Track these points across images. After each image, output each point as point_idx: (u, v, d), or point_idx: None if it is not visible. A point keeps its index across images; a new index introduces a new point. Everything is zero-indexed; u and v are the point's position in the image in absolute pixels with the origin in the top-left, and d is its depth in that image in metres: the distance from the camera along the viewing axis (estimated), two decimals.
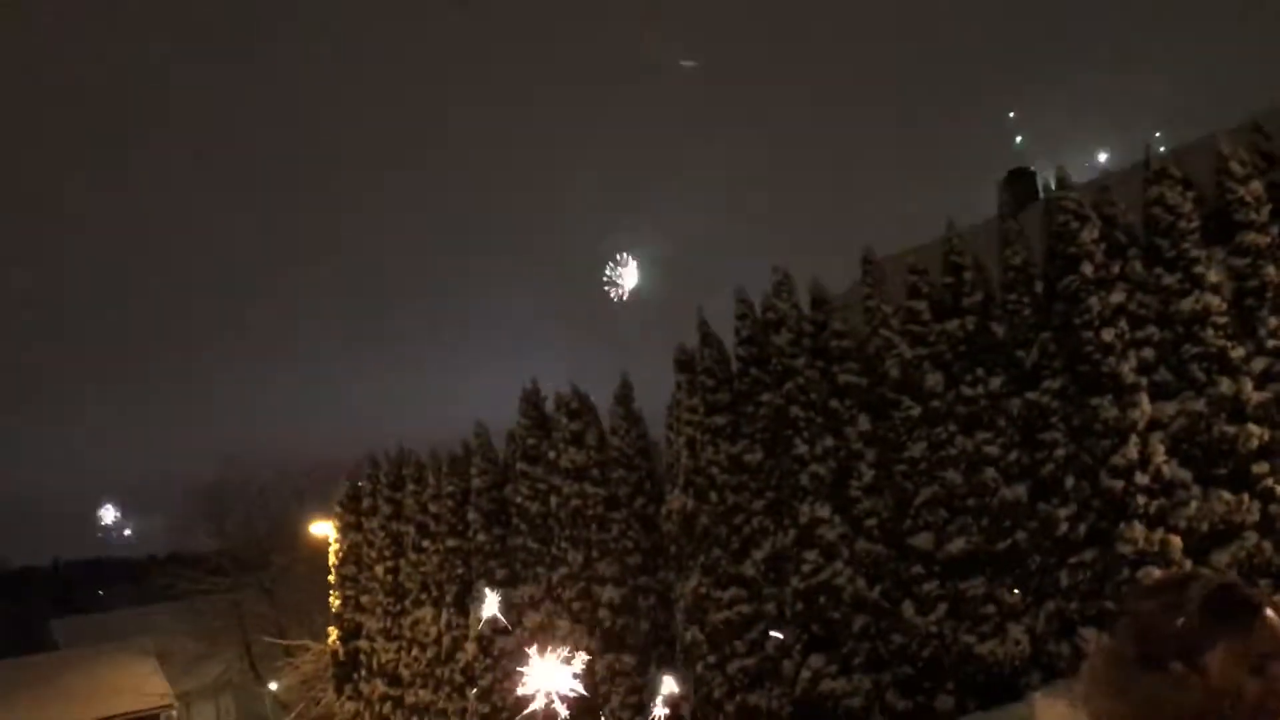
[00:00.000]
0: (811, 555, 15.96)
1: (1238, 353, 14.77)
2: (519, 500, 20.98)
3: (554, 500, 20.20)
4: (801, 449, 16.44)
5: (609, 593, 18.95)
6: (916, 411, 15.90)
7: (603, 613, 19.02)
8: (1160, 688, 1.75)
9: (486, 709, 21.16)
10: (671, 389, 18.71)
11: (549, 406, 21.31)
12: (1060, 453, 14.97)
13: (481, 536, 21.71)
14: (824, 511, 16.04)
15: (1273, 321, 14.93)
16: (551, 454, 20.48)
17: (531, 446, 20.99)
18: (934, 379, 15.93)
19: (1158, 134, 16.43)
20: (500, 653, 20.75)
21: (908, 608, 15.39)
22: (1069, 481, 14.84)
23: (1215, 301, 14.90)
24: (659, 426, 19.67)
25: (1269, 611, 1.80)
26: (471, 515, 22.15)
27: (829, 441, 16.44)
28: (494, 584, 21.41)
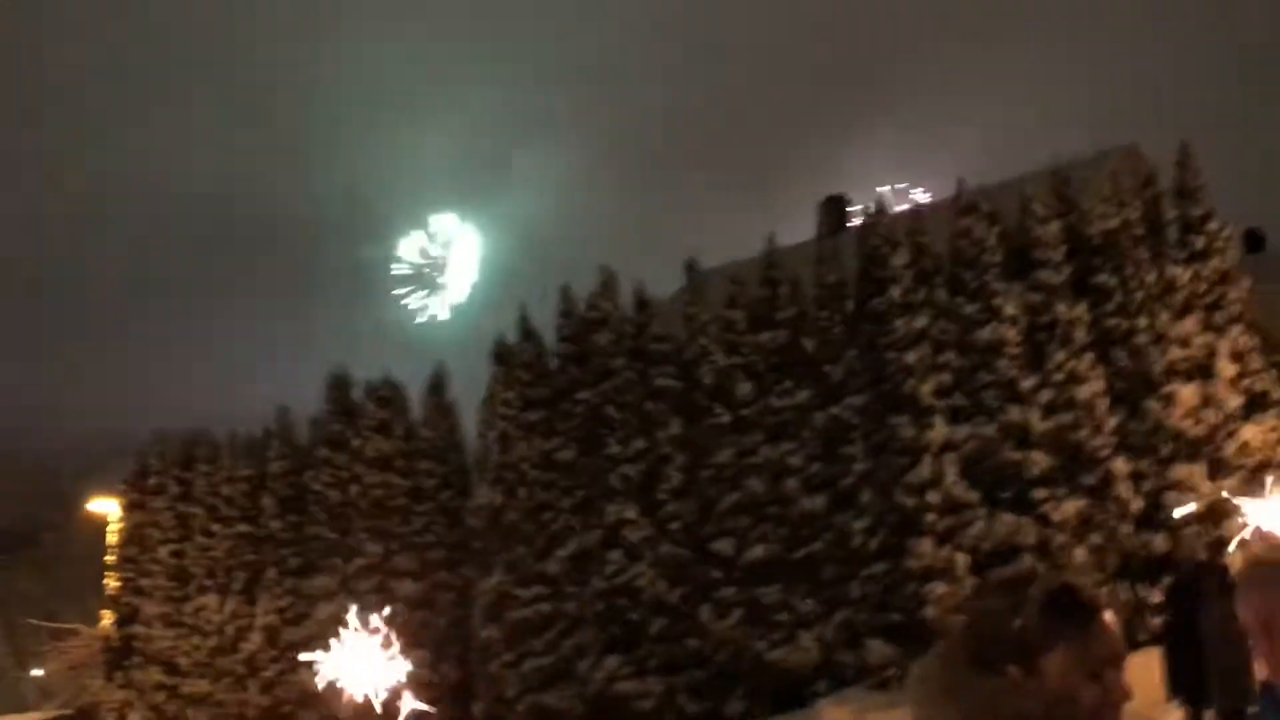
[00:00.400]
0: (615, 556, 15.96)
1: (1027, 383, 15.61)
2: (318, 488, 20.20)
3: (355, 489, 19.54)
4: (614, 449, 16.44)
5: (407, 587, 18.46)
6: (726, 419, 16.13)
7: (398, 607, 18.46)
8: (995, 692, 1.64)
9: (268, 701, 20.28)
10: (488, 383, 18.43)
11: (358, 394, 20.64)
12: (859, 467, 15.45)
13: (276, 523, 20.82)
14: (631, 513, 16.08)
15: (1060, 356, 15.85)
16: (356, 442, 19.82)
17: (336, 433, 20.26)
18: (745, 388, 16.20)
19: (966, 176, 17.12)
20: (287, 644, 19.90)
21: (705, 612, 15.56)
22: (865, 495, 15.34)
23: (1010, 333, 15.71)
24: (473, 421, 19.34)
25: (1107, 615, 1.72)
26: (266, 501, 21.21)
27: (641, 443, 16.50)
28: (286, 573, 20.58)
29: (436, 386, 19.49)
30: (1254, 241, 37.51)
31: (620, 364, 16.82)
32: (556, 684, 15.94)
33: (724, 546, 15.82)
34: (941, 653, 1.75)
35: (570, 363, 17.16)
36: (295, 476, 21.34)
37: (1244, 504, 13.77)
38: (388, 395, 19.65)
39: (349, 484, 19.76)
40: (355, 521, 19.49)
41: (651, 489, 16.38)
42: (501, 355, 17.92)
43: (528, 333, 17.62)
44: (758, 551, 15.60)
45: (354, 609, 15.55)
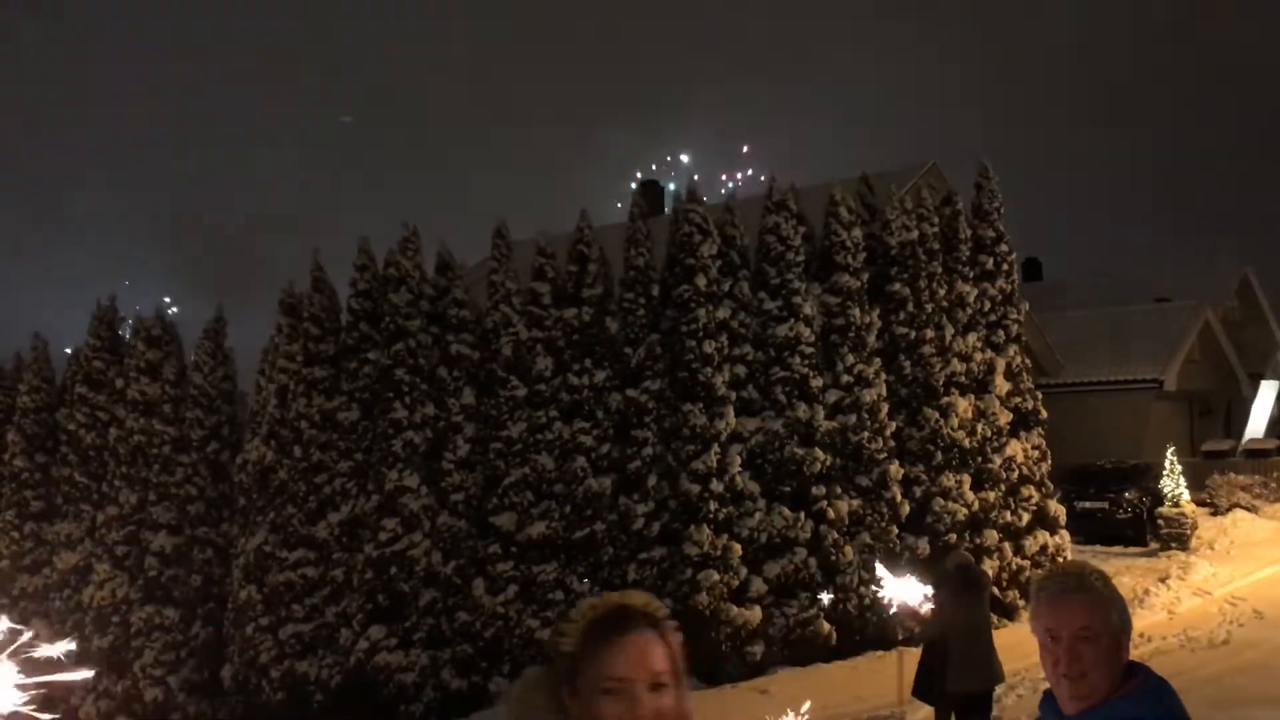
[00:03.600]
0: (391, 523, 15.32)
1: (817, 382, 15.95)
2: (72, 427, 18.64)
3: (114, 433, 18.11)
4: (400, 414, 15.78)
5: (161, 540, 17.23)
6: (522, 392, 15.76)
7: (150, 560, 17.26)
8: (554, 716, 1.83)
9: None
10: (271, 333, 17.38)
11: (127, 331, 19.16)
12: (648, 451, 15.40)
13: (20, 462, 19.10)
14: (412, 480, 15.47)
15: (850, 359, 16.27)
16: (120, 382, 18.37)
17: (98, 370, 18.73)
18: (544, 363, 15.88)
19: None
20: (20, 592, 18.32)
21: (479, 586, 15.17)
22: (652, 480, 15.30)
23: (806, 332, 16.01)
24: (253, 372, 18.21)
25: (636, 634, 1.83)
26: (12, 437, 19.44)
27: (430, 410, 15.91)
28: (27, 516, 18.93)
29: (214, 331, 18.18)
30: (1032, 269, 40.20)
31: (415, 326, 16.16)
32: (315, 651, 15.20)
33: (505, 521, 15.46)
34: (538, 672, 1.96)
35: (362, 320, 16.35)
36: (48, 414, 19.67)
37: None
38: (159, 335, 18.25)
39: (107, 427, 18.31)
40: (111, 467, 18.08)
41: (436, 458, 15.82)
42: (289, 306, 16.91)
43: (318, 283, 16.68)
44: (539, 528, 15.32)
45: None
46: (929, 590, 10.32)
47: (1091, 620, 2.51)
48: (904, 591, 10.64)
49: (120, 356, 18.80)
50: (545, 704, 1.84)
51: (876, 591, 12.20)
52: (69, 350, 20.72)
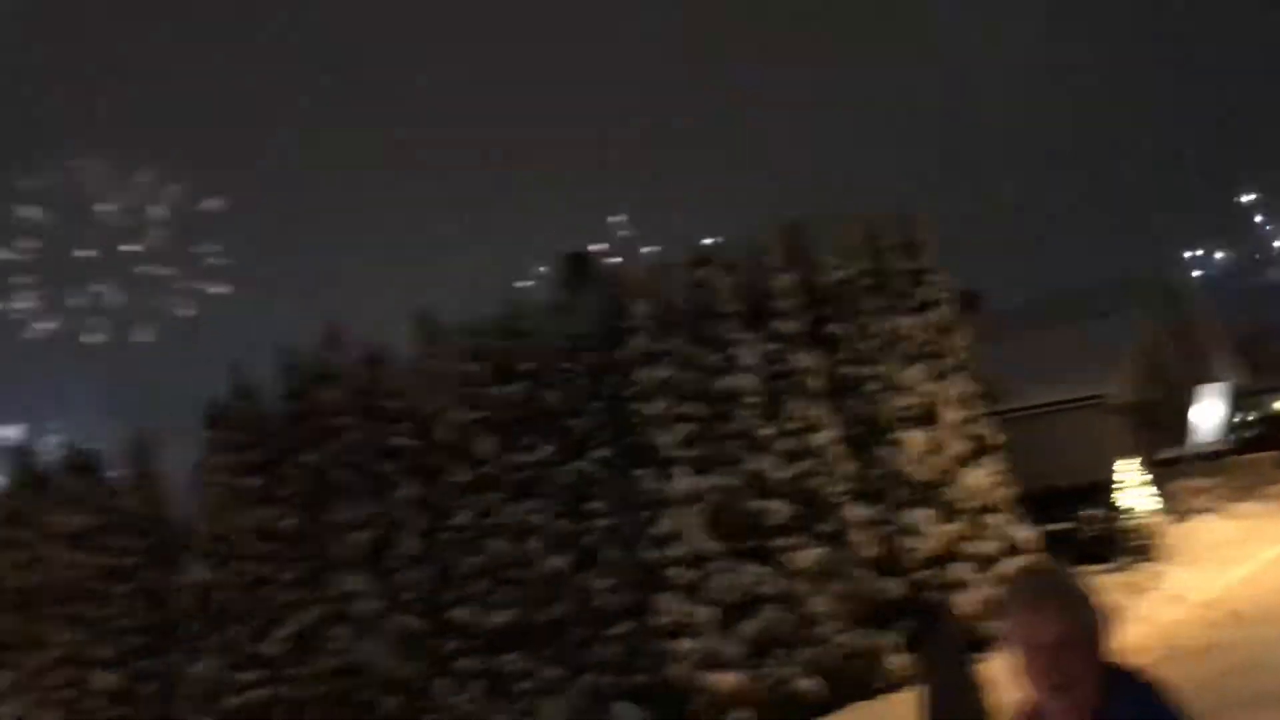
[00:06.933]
0: (342, 632, 14.61)
1: (766, 431, 15.59)
2: None
3: (41, 570, 17.21)
4: (341, 515, 15.16)
5: (104, 679, 16.29)
6: (466, 477, 15.23)
7: (95, 702, 16.28)
8: None
9: None
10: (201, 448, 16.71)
11: (48, 463, 18.37)
12: (603, 522, 14.89)
13: None
14: (359, 584, 14.81)
15: (796, 404, 15.96)
16: (44, 517, 17.51)
17: (17, 511, 17.85)
18: (486, 444, 15.37)
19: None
20: None
21: (442, 686, 14.43)
22: (609, 552, 14.76)
23: (749, 382, 15.69)
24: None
25: None
26: None
27: (372, 507, 15.31)
28: None
29: (139, 453, 17.47)
30: (970, 301, 40.55)
31: (348, 422, 15.61)
32: None
33: (463, 614, 14.81)
34: None
35: (293, 422, 15.78)
36: None
37: None
38: (82, 464, 17.47)
39: (33, 566, 17.39)
40: (41, 607, 17.12)
41: (384, 556, 15.18)
42: (215, 418, 16.29)
43: (240, 390, 16.10)
44: (500, 617, 14.68)
45: None
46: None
47: (1072, 625, 2.37)
48: None
49: (42, 491, 17.96)
50: None
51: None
52: None
